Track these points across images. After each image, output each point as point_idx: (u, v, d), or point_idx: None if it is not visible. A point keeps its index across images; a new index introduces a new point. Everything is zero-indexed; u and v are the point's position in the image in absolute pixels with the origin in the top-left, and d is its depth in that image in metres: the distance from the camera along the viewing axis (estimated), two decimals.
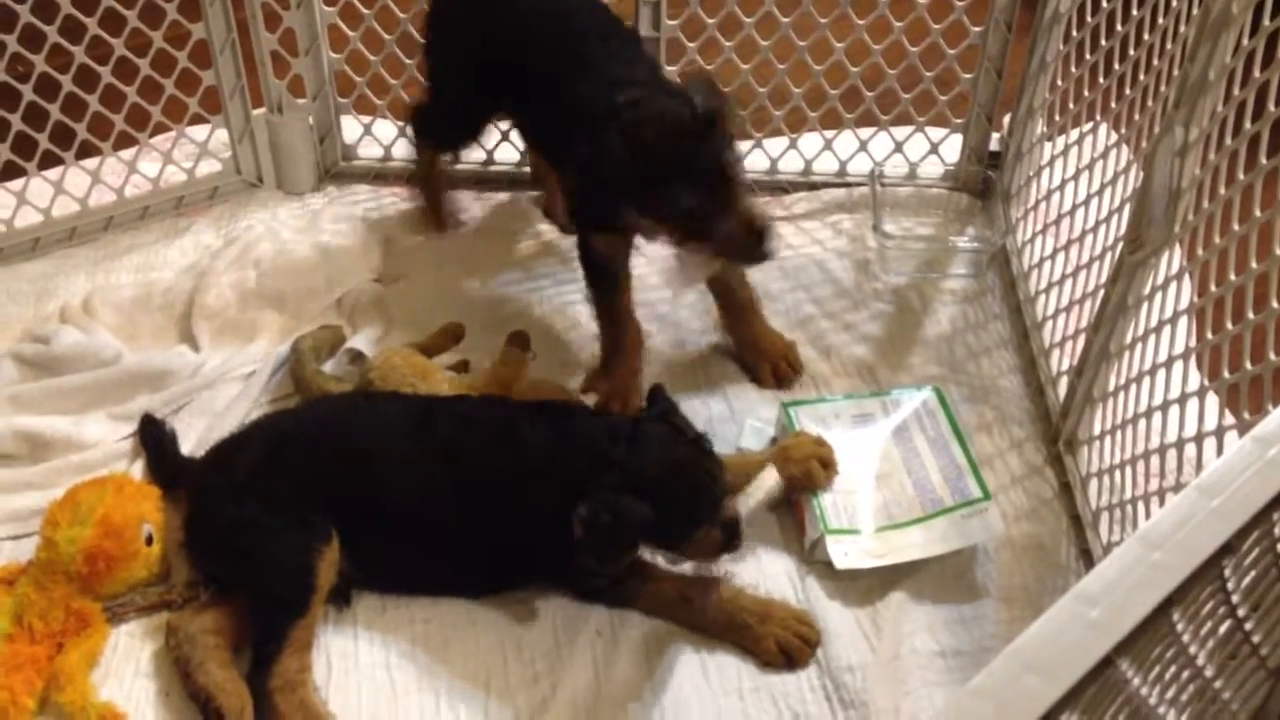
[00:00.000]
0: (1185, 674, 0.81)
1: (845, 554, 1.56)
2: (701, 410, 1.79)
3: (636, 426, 1.48)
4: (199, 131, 2.18)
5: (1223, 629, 0.82)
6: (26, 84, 1.97)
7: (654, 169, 1.53)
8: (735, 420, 1.78)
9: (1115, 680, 0.70)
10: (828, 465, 1.63)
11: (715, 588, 1.52)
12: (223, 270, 1.99)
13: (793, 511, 1.65)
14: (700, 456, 1.47)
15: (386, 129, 2.26)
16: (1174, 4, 1.50)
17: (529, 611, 1.54)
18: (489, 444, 1.52)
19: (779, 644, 1.48)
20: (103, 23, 1.98)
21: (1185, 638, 0.75)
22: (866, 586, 1.56)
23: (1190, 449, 1.41)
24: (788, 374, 1.85)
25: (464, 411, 1.59)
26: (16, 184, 2.05)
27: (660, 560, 1.53)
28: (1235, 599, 0.79)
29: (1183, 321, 1.46)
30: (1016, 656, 0.63)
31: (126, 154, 2.14)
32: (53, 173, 2.07)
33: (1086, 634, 0.64)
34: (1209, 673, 0.82)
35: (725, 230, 1.56)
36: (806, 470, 1.62)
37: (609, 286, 1.79)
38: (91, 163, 2.10)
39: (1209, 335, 1.38)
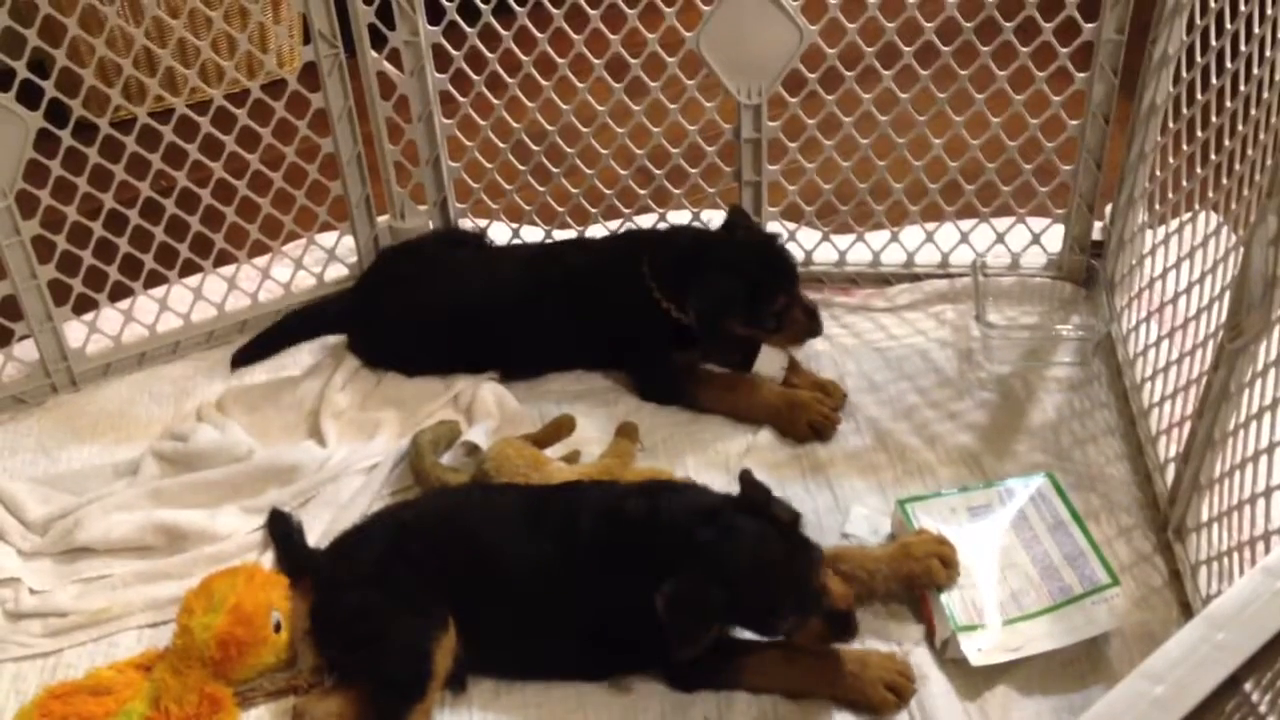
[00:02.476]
0: None
1: (979, 650, 1.55)
2: (806, 500, 1.81)
3: (728, 512, 1.52)
4: (327, 238, 2.29)
5: None
6: (169, 198, 2.11)
7: (760, 282, 1.93)
8: (840, 509, 1.80)
9: None
10: (949, 563, 1.63)
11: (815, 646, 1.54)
12: (348, 369, 2.09)
13: (919, 608, 1.65)
14: (788, 548, 1.51)
15: (502, 231, 2.35)
16: (1265, 96, 1.52)
17: (638, 696, 1.56)
18: (594, 526, 1.57)
19: (886, 685, 1.52)
20: (239, 140, 2.10)
21: (1262, 708, 0.76)
22: (975, 676, 1.55)
23: None
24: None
25: (572, 497, 1.64)
26: (159, 291, 2.17)
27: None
28: None
29: None
30: None
31: (260, 261, 2.25)
32: (192, 280, 2.19)
33: (1150, 710, 0.66)
34: None
35: (793, 318, 1.97)
36: (927, 568, 1.62)
37: (686, 379, 2.03)
38: (228, 270, 2.22)
39: None
